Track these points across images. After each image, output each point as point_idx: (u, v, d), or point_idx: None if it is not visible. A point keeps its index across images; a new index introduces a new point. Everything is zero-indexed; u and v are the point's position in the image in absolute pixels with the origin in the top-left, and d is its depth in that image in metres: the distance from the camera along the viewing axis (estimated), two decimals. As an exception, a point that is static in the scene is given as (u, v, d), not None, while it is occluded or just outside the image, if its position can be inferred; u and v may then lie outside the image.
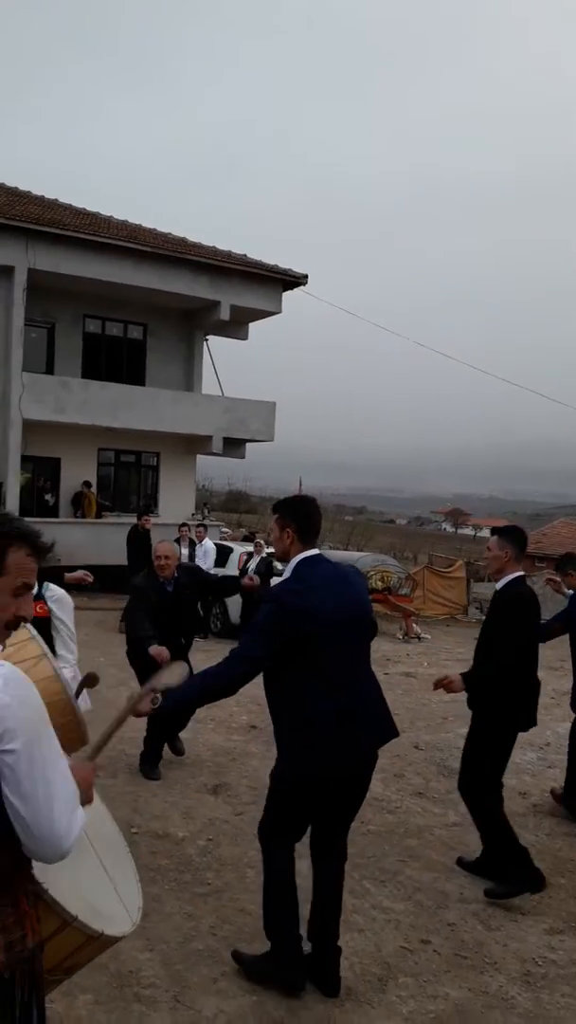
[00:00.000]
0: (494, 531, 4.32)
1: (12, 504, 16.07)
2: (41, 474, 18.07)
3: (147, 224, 19.34)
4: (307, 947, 3.16)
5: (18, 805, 1.42)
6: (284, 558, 3.11)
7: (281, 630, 2.88)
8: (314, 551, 3.09)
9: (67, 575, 5.04)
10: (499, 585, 4.11)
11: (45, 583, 3.99)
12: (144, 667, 5.14)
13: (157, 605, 5.38)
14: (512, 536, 4.15)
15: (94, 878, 2.02)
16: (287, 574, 3.10)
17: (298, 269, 19.23)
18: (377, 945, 3.49)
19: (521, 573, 4.11)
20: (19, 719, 1.42)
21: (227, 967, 3.17)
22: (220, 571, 12.61)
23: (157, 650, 5.02)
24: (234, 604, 12.27)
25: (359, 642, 3.07)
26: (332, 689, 2.88)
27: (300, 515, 3.08)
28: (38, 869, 1.59)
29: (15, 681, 1.44)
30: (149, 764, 5.51)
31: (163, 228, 19.45)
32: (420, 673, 10.31)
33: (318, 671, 2.89)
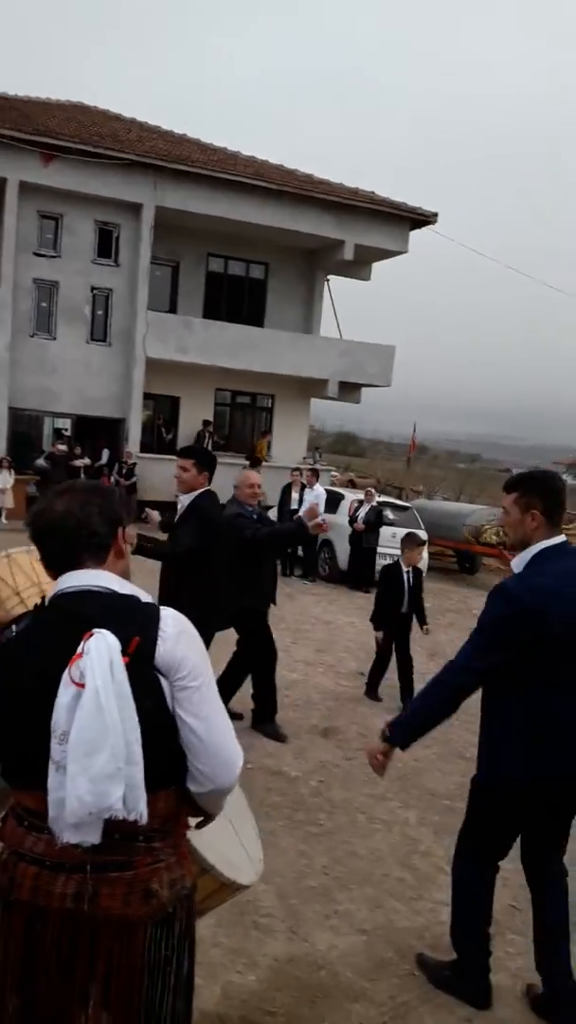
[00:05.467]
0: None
1: (134, 440, 16.63)
2: (161, 412, 18.55)
3: (273, 160, 19.05)
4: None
5: (195, 726, 1.54)
6: (523, 544, 2.60)
7: (511, 635, 2.50)
8: (560, 538, 2.59)
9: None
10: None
11: None
12: None
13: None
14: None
15: (222, 829, 2.14)
16: (520, 565, 2.59)
17: (426, 206, 18.56)
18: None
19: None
20: (191, 652, 1.55)
21: (339, 906, 3.30)
22: (330, 517, 12.69)
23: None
24: (343, 550, 12.34)
25: None
26: (569, 693, 2.54)
27: (548, 493, 2.58)
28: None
29: (181, 621, 1.58)
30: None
31: (290, 164, 19.12)
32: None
33: (554, 677, 2.52)
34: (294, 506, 12.45)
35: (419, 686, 6.86)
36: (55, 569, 1.61)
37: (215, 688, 1.60)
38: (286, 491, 12.76)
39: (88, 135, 16.19)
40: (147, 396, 17.30)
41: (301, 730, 5.47)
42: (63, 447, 15.46)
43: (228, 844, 2.10)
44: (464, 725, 6.06)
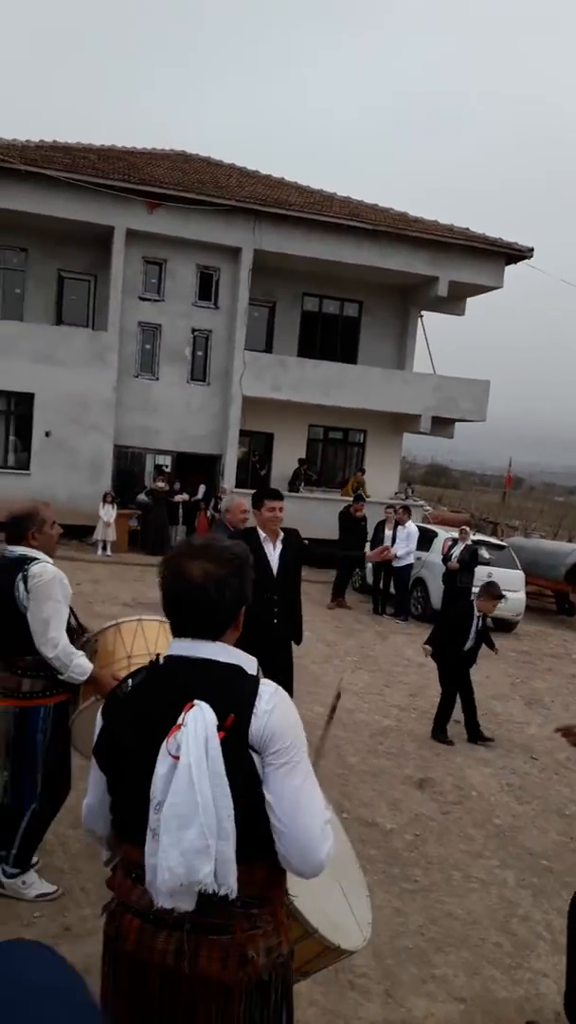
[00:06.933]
0: None
1: (230, 476, 17.03)
2: (256, 448, 18.94)
3: (369, 199, 19.34)
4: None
5: (279, 812, 1.55)
6: None
7: None
8: None
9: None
10: None
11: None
12: None
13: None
14: None
15: (329, 893, 2.18)
16: None
17: (521, 240, 18.43)
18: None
19: None
20: (285, 734, 1.58)
21: (436, 970, 3.29)
22: (424, 555, 12.61)
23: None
24: (436, 589, 12.22)
25: None
26: None
27: None
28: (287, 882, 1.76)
29: (279, 699, 1.61)
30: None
31: (385, 202, 19.37)
32: None
33: None
34: (387, 543, 12.47)
35: (502, 730, 6.75)
36: (175, 630, 1.68)
37: (307, 772, 1.58)
38: (379, 528, 12.78)
39: (190, 183, 16.91)
40: (243, 433, 17.72)
41: (396, 780, 5.46)
42: (163, 484, 16.01)
43: (335, 906, 2.14)
44: (563, 780, 5.93)
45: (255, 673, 1.65)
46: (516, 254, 18.37)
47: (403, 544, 12.40)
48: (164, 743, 1.52)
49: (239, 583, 1.66)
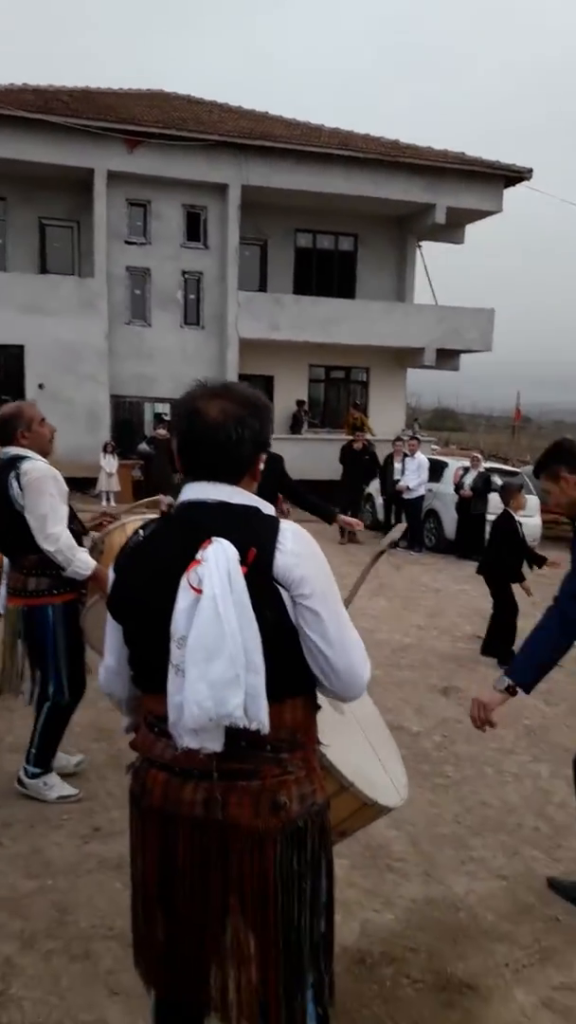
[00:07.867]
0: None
1: (231, 420, 16.78)
2: (256, 392, 18.63)
3: (359, 130, 18.69)
4: None
5: (321, 644, 1.49)
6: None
7: None
8: None
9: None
10: None
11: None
12: None
13: None
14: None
15: (363, 752, 2.09)
16: None
17: (520, 163, 17.82)
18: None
19: None
20: (311, 567, 1.49)
21: (474, 852, 3.18)
22: (435, 486, 12.39)
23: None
24: (449, 519, 12.04)
25: None
26: None
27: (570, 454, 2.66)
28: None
29: (301, 535, 1.52)
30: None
31: (376, 132, 18.72)
32: None
33: None
34: (396, 476, 12.23)
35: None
36: (189, 474, 1.57)
37: (339, 604, 1.54)
38: (388, 461, 12.54)
39: (171, 119, 16.32)
40: (241, 377, 17.33)
41: (419, 689, 5.34)
42: (164, 431, 15.75)
43: (369, 765, 2.03)
44: (592, 679, 5.78)
45: (273, 514, 1.56)
46: (515, 175, 17.79)
47: (414, 475, 12.16)
48: (184, 577, 1.41)
49: (259, 425, 1.56)
